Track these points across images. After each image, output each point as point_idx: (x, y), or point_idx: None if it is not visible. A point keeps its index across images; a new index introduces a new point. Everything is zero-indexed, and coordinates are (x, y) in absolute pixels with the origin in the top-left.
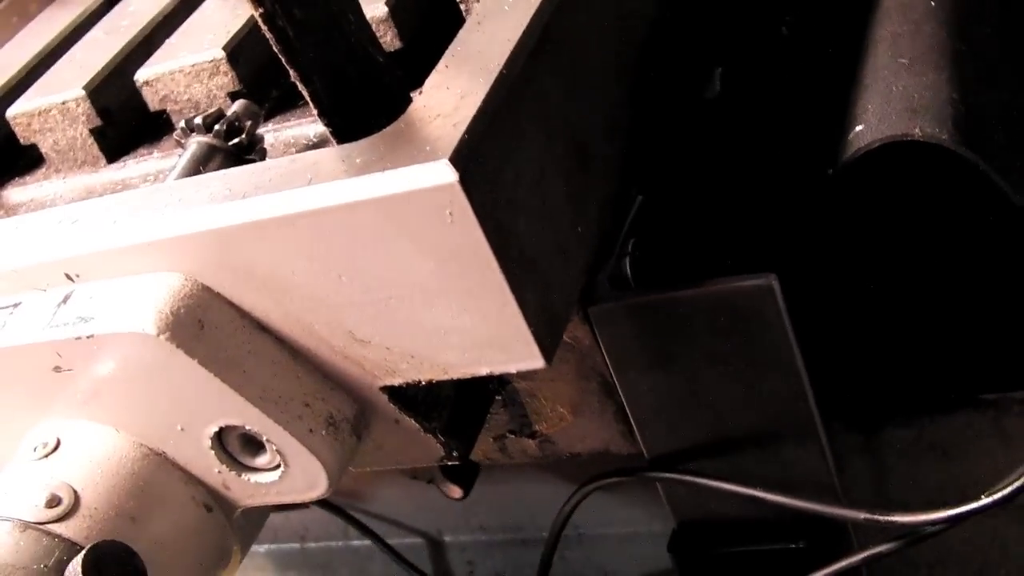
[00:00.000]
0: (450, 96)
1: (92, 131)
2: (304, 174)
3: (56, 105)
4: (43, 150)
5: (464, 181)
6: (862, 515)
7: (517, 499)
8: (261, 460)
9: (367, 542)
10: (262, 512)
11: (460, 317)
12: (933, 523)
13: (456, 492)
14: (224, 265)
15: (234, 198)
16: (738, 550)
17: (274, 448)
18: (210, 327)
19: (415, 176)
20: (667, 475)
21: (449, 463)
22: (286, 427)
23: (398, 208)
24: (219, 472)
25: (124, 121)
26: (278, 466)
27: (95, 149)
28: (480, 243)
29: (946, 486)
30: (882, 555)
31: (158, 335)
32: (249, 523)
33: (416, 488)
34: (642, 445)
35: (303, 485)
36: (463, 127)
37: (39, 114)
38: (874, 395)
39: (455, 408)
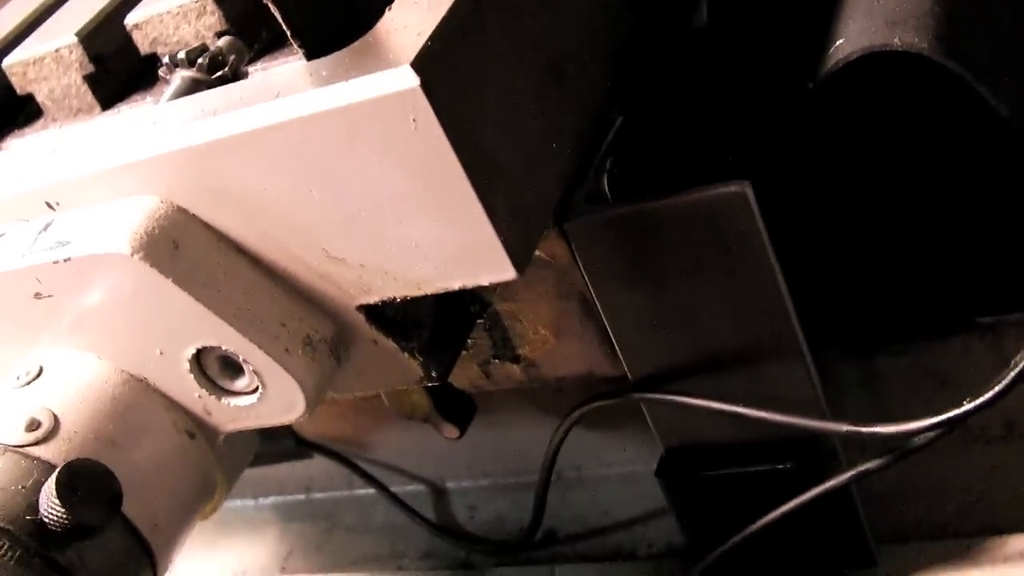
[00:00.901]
0: (418, 8)
1: (86, 78)
2: (272, 90)
3: (50, 53)
4: (39, 99)
5: (426, 86)
6: (844, 427)
7: (518, 444)
8: (240, 383)
9: (371, 491)
10: (246, 447)
11: (431, 229)
12: (916, 432)
13: (452, 432)
14: (198, 185)
15: (205, 117)
16: (726, 472)
17: (251, 369)
18: (185, 247)
19: (377, 83)
20: (651, 395)
21: (428, 384)
22: (262, 347)
23: (363, 117)
24: (199, 397)
25: (118, 67)
26: (256, 389)
27: (89, 96)
28: (445, 150)
29: (942, 410)
30: (870, 472)
31: (132, 255)
32: (233, 457)
33: (418, 436)
34: (625, 366)
35: (281, 407)
36: (427, 35)
37: (34, 63)
38: (868, 321)
39: (434, 329)
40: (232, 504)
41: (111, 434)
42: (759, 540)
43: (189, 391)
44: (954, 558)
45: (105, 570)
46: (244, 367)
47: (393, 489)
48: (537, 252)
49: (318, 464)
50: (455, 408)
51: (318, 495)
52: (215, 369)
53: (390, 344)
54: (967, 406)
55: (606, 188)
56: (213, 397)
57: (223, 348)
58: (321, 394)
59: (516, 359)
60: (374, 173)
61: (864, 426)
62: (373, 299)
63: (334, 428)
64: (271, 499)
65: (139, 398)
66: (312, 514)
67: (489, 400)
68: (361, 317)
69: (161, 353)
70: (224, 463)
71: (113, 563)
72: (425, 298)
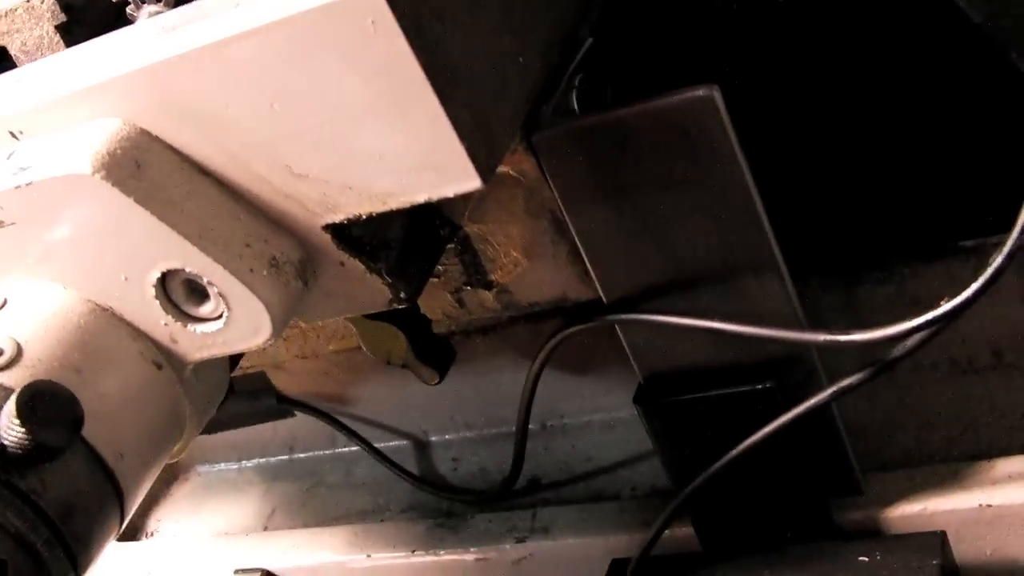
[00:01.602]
0: None
1: (58, 28)
2: (232, 2)
3: (21, 4)
4: (12, 52)
5: None
6: (821, 337)
7: (501, 394)
8: (205, 309)
9: (353, 448)
10: (217, 386)
11: (393, 138)
12: (893, 337)
13: (431, 377)
14: (159, 105)
15: (164, 34)
16: (704, 395)
17: (216, 292)
18: (147, 168)
19: None
20: (627, 316)
21: (398, 306)
22: (226, 266)
23: (320, 23)
24: (165, 324)
25: (89, 16)
26: (222, 314)
27: (61, 46)
28: (405, 54)
29: (934, 343)
30: (851, 388)
31: (93, 174)
32: (203, 394)
33: (401, 391)
34: (599, 288)
35: (247, 330)
36: None
37: (5, 15)
38: (849, 243)
39: (402, 251)
40: (216, 467)
41: (75, 362)
42: (741, 467)
43: (155, 318)
44: (941, 483)
45: (68, 497)
46: (209, 291)
47: (376, 445)
48: (506, 169)
49: (301, 424)
50: (434, 353)
51: (301, 455)
52: (180, 295)
53: (357, 265)
54: (944, 307)
55: (575, 103)
56: (179, 324)
57: (187, 270)
58: (288, 317)
59: (488, 285)
60: (334, 81)
61: (841, 334)
62: (339, 217)
63: (316, 385)
64: (255, 461)
65: (105, 327)
66: (295, 474)
67: (470, 349)
68: (327, 238)
69: (126, 279)
70: (193, 399)
71: (76, 490)
72: (393, 220)
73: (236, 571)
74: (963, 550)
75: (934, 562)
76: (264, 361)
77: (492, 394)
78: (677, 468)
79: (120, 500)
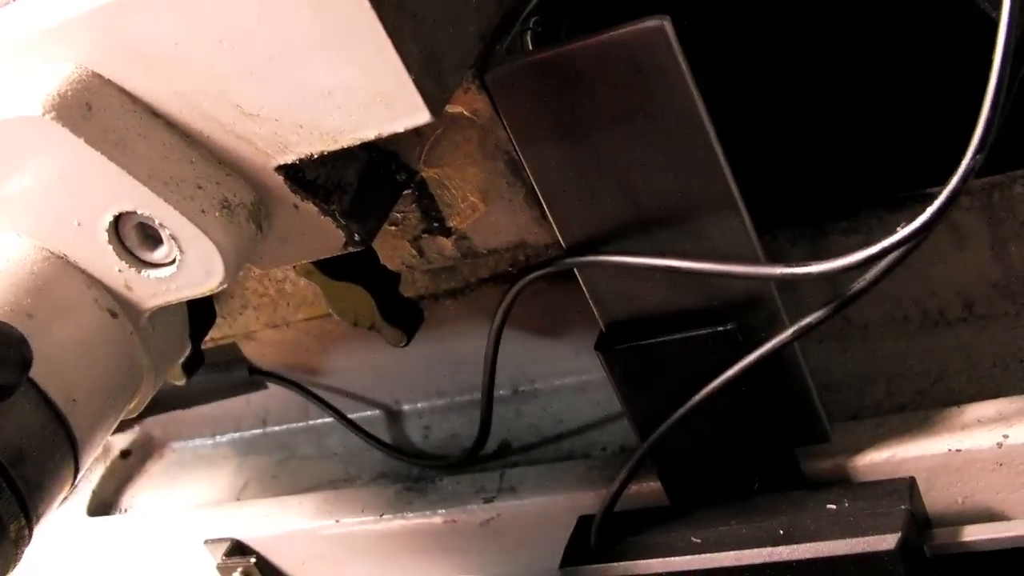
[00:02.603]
0: None
1: None
2: None
3: None
4: None
5: None
6: (778, 270)
7: (471, 360)
8: (159, 254)
9: (326, 420)
10: (176, 340)
11: (341, 72)
12: (850, 267)
13: (399, 338)
14: (110, 46)
15: None
16: (666, 339)
17: (168, 235)
18: (99, 109)
19: None
20: (585, 259)
21: (353, 249)
22: (177, 207)
23: None
24: (119, 271)
25: None
26: (175, 260)
27: None
28: None
29: (900, 294)
30: (812, 326)
31: (44, 115)
32: (162, 347)
33: (372, 360)
34: (557, 231)
35: (200, 274)
36: None
37: None
38: (815, 194)
39: (357, 194)
40: (190, 443)
41: (27, 307)
42: (706, 415)
43: (109, 265)
44: (910, 430)
45: (16, 441)
46: (161, 234)
47: (348, 415)
48: (460, 110)
49: (274, 397)
50: (401, 314)
51: (274, 428)
52: (134, 240)
53: (311, 208)
54: (901, 232)
55: (529, 44)
56: (133, 270)
57: (139, 212)
58: (240, 260)
59: (447, 232)
60: (281, 15)
61: (798, 266)
62: (291, 158)
63: (287, 356)
64: (228, 436)
65: (58, 274)
66: (269, 447)
67: (439, 314)
68: (280, 180)
69: (79, 224)
70: (150, 351)
71: (26, 434)
72: (347, 163)
73: (206, 541)
74: (934, 498)
75: (903, 507)
76: (235, 331)
77: (462, 359)
78: (641, 418)
79: (74, 448)
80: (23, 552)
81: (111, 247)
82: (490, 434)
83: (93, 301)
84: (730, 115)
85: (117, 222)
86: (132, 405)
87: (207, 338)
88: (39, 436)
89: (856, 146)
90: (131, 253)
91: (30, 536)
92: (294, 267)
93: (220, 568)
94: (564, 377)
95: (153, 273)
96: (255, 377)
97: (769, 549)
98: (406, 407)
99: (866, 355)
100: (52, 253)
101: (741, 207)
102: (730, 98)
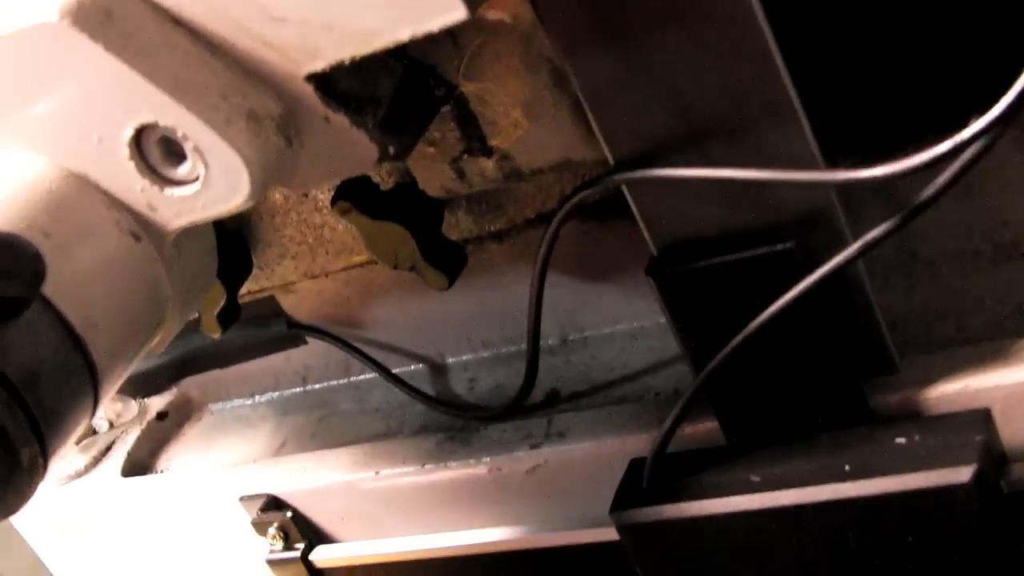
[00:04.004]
0: None
1: None
2: None
3: None
4: None
5: None
6: (840, 175)
7: (518, 309)
8: (183, 170)
9: (368, 376)
10: (202, 270)
11: None
12: (920, 167)
13: (441, 281)
14: None
15: None
16: (722, 261)
17: (192, 148)
18: (119, 17)
19: None
20: (636, 174)
21: (386, 160)
22: (201, 116)
23: None
24: (142, 190)
25: None
26: (199, 176)
27: None
28: None
29: (970, 225)
30: (879, 240)
31: (60, 20)
32: (187, 278)
33: (415, 310)
34: (605, 147)
35: (226, 189)
36: None
37: None
38: (880, 123)
39: (392, 106)
40: (228, 404)
41: (43, 225)
42: (765, 345)
43: (131, 184)
44: (984, 360)
45: (31, 362)
46: (185, 147)
47: (390, 370)
48: (500, 16)
49: (313, 353)
50: (444, 256)
51: (315, 386)
52: (156, 157)
53: (343, 120)
54: (976, 124)
55: None
56: (156, 188)
57: (161, 124)
58: (268, 175)
59: (488, 151)
60: None
61: (862, 170)
62: (321, 65)
63: (327, 309)
64: (267, 395)
65: (77, 193)
66: (308, 405)
67: (484, 260)
68: (310, 90)
69: (99, 140)
70: (175, 279)
71: (41, 357)
72: (381, 74)
73: (241, 498)
74: (1010, 432)
75: (977, 438)
76: (273, 283)
77: (509, 308)
78: (696, 348)
79: (92, 376)
80: (37, 486)
81: (133, 164)
82: (537, 383)
83: (114, 223)
84: (790, 31)
85: (139, 137)
86: (155, 340)
87: (244, 291)
88: (55, 359)
89: (922, 70)
90: (154, 170)
91: (44, 469)
92: (334, 208)
93: (255, 524)
94: (615, 324)
95: (177, 191)
96: (294, 331)
97: (834, 486)
98: (450, 360)
99: (933, 291)
100: (71, 172)
101: (800, 115)
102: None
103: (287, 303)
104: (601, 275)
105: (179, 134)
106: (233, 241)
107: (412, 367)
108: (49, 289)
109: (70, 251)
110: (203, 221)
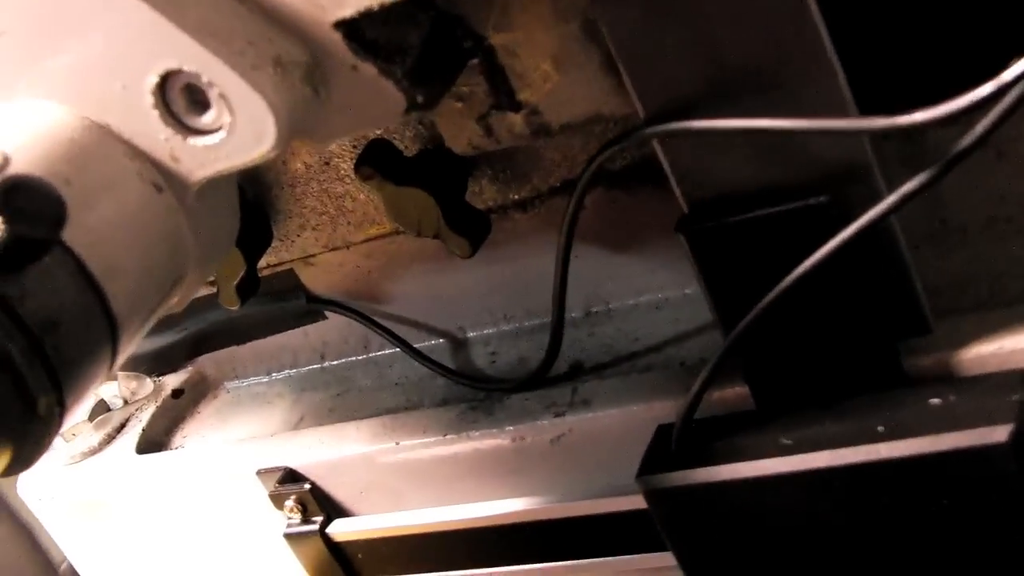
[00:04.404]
0: None
1: None
2: None
3: None
4: None
5: None
6: (878, 122)
7: (541, 280)
8: (207, 119)
9: (387, 352)
10: (224, 227)
11: None
12: (962, 111)
13: (464, 248)
14: None
15: None
16: (753, 215)
17: (217, 94)
18: None
19: None
20: (665, 127)
21: (414, 112)
22: (227, 61)
23: None
24: (165, 139)
25: None
26: (223, 126)
27: None
28: None
29: (1003, 192)
30: (917, 191)
31: None
32: (208, 233)
33: (436, 284)
34: (636, 100)
35: (251, 138)
36: None
37: None
38: (913, 83)
39: (421, 56)
40: (245, 382)
41: (65, 173)
42: (797, 303)
43: (154, 133)
44: (1018, 322)
45: (50, 309)
46: (209, 95)
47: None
48: None
49: (332, 328)
50: (467, 223)
51: (333, 362)
52: (180, 106)
53: (371, 69)
54: (1019, 66)
55: None
56: (179, 137)
57: (186, 69)
58: (294, 125)
59: (517, 106)
60: None
61: (900, 116)
62: (349, 11)
63: (347, 283)
64: (285, 372)
65: (100, 142)
66: (326, 382)
67: (508, 230)
68: (338, 38)
69: (123, 87)
70: (197, 234)
71: (60, 303)
72: (410, 24)
73: (258, 472)
74: None
75: (1014, 398)
76: (292, 256)
77: (532, 281)
78: (726, 307)
79: (112, 327)
80: (53, 438)
81: (156, 113)
82: (560, 356)
83: (136, 173)
84: None
85: (163, 85)
86: (176, 298)
87: (263, 264)
88: (74, 307)
89: (959, 25)
90: (178, 120)
91: (61, 420)
92: (357, 173)
93: (272, 496)
94: (640, 296)
95: (201, 140)
96: (313, 305)
97: (867, 447)
98: (471, 334)
99: (966, 258)
100: (94, 122)
101: (836, 67)
102: None
103: (307, 276)
104: (626, 245)
105: (204, 80)
106: (253, 212)
107: (432, 342)
108: (69, 236)
109: (91, 200)
110: (227, 172)
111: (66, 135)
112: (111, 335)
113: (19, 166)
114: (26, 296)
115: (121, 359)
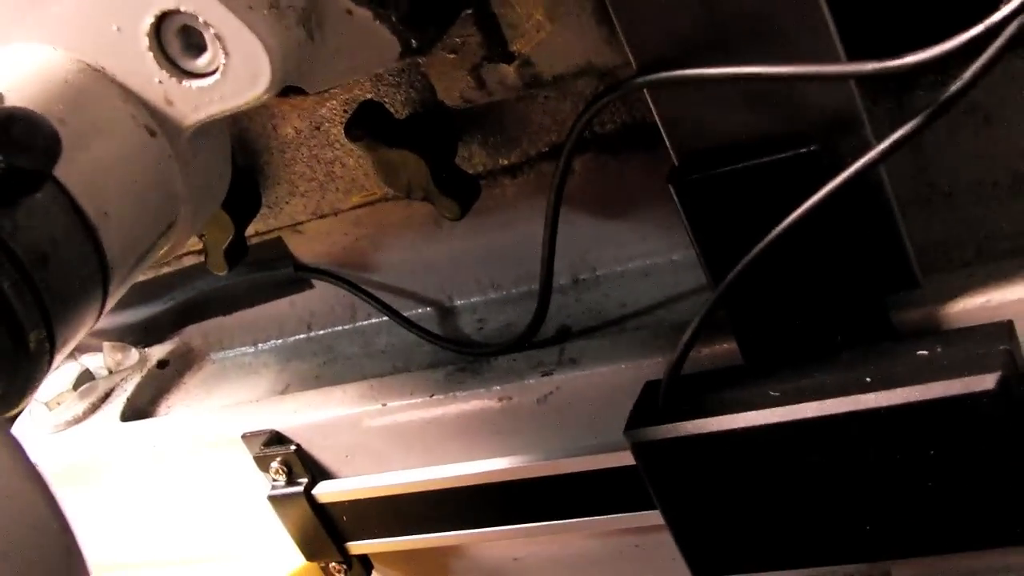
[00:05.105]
0: None
1: None
2: None
3: None
4: None
5: None
6: (868, 66)
7: (529, 247)
8: (202, 61)
9: (373, 321)
10: (217, 173)
11: None
12: (950, 53)
13: (452, 210)
14: None
15: None
16: (743, 166)
17: (212, 35)
18: None
19: None
20: (656, 76)
21: (407, 57)
22: (223, 1)
23: None
24: (160, 82)
25: None
26: (218, 68)
27: None
28: None
29: (990, 156)
30: (908, 137)
31: None
32: (200, 179)
33: (424, 252)
34: (628, 49)
35: (246, 79)
36: None
37: None
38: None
39: (414, 2)
40: (231, 352)
41: (59, 113)
42: (785, 254)
43: (149, 76)
44: (1007, 275)
45: (42, 244)
46: (205, 36)
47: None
48: None
49: (319, 298)
50: (457, 186)
51: (319, 332)
52: (176, 48)
53: (365, 13)
54: (1011, 5)
55: None
56: (174, 80)
57: (183, 10)
58: (289, 67)
59: (509, 57)
60: None
61: (890, 60)
62: None
63: (335, 251)
64: (271, 343)
65: (94, 85)
66: (312, 351)
67: (496, 196)
68: None
69: (118, 29)
70: (188, 180)
71: (52, 239)
72: None
73: (243, 435)
74: None
75: (1001, 347)
76: (280, 223)
77: (520, 248)
78: (716, 259)
79: (103, 267)
80: (43, 376)
81: (152, 55)
82: (548, 321)
83: (131, 117)
84: None
85: (159, 27)
86: (167, 246)
87: (251, 232)
88: (66, 244)
89: None
90: (173, 62)
91: (51, 358)
92: (347, 135)
93: (257, 459)
94: (627, 262)
95: (196, 83)
96: (301, 274)
97: (855, 397)
98: (459, 302)
99: (952, 221)
100: (88, 65)
101: (826, 14)
102: None
103: (294, 244)
104: (614, 212)
105: (200, 21)
106: (243, 177)
107: (420, 311)
108: (63, 174)
109: (85, 141)
110: (220, 115)
111: (61, 76)
112: (102, 275)
113: (13, 101)
114: (18, 230)
115: (111, 302)
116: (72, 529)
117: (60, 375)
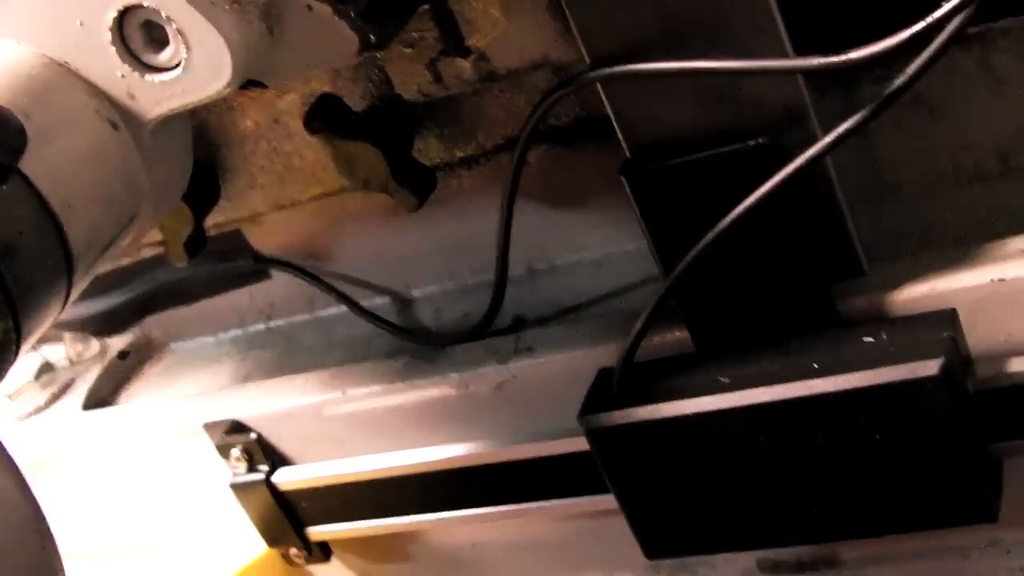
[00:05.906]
0: None
1: None
2: None
3: None
4: None
5: None
6: (814, 61)
7: (486, 238)
8: (164, 56)
9: (332, 311)
10: (178, 166)
11: None
12: (895, 48)
13: (410, 202)
14: None
15: None
16: (694, 158)
17: (175, 29)
18: None
19: None
20: (609, 70)
21: (366, 52)
22: None
23: None
24: (123, 76)
25: None
26: (180, 63)
27: None
28: None
29: (935, 150)
30: (852, 131)
31: None
32: (163, 171)
33: (382, 243)
34: (581, 44)
35: (207, 74)
36: None
37: None
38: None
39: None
40: (191, 343)
41: (24, 107)
42: (735, 244)
43: (112, 70)
44: (950, 263)
45: (7, 236)
46: (167, 30)
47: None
48: None
49: (278, 289)
50: (414, 177)
51: (278, 322)
52: (138, 43)
53: (325, 8)
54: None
55: None
56: (136, 74)
57: (146, 4)
58: (249, 62)
59: (466, 52)
60: None
61: (836, 56)
62: None
63: (293, 242)
64: (231, 333)
65: (58, 79)
66: (273, 341)
67: (453, 188)
68: None
69: (81, 24)
70: (151, 172)
71: (17, 230)
72: None
73: (205, 424)
74: (977, 338)
75: (945, 334)
76: (240, 215)
77: (476, 239)
78: (667, 250)
79: (68, 258)
80: (9, 365)
81: (114, 49)
82: (503, 311)
83: (94, 111)
84: None
85: (122, 21)
86: (130, 237)
87: (211, 224)
88: (32, 234)
89: None
90: (135, 57)
91: (16, 348)
92: (306, 127)
93: (219, 448)
94: (582, 252)
95: (158, 77)
96: (260, 265)
97: (803, 382)
98: (416, 292)
99: (898, 214)
100: (52, 60)
101: (775, 11)
102: None
103: (253, 236)
104: (568, 203)
105: (162, 15)
106: (202, 169)
107: (378, 301)
108: (28, 167)
109: (49, 135)
110: (181, 109)
111: (25, 71)
112: (67, 266)
113: None
114: None
115: (75, 293)
116: (44, 514)
117: (22, 365)
